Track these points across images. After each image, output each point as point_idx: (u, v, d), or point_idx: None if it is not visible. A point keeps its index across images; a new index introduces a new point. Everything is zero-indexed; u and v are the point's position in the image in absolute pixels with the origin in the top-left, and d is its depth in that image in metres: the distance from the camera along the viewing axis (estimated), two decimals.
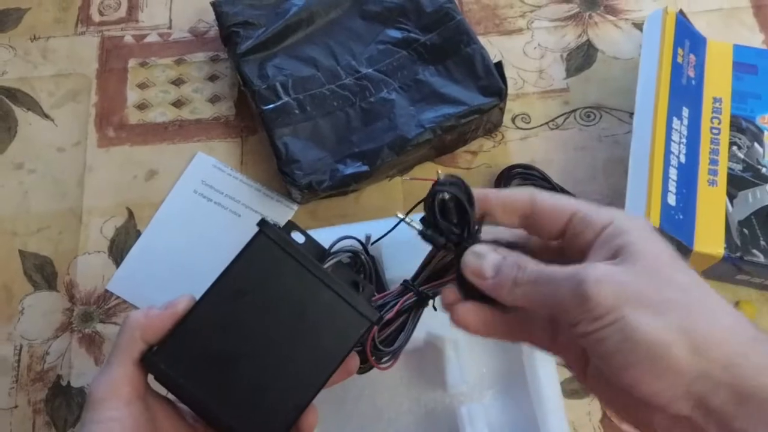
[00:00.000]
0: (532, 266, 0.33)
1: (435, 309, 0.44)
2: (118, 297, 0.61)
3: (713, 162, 0.58)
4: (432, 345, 0.55)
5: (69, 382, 0.58)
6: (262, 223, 0.40)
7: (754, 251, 0.54)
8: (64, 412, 0.57)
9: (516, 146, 0.66)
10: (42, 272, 0.62)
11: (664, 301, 0.29)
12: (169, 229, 0.63)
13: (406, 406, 0.56)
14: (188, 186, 0.65)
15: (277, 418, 0.38)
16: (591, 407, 0.56)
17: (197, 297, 0.40)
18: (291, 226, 0.43)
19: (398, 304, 0.43)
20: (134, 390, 0.37)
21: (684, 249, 0.54)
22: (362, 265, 0.47)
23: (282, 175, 0.61)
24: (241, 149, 0.67)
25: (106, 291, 0.61)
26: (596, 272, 0.30)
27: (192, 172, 0.65)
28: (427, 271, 0.42)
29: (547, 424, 0.51)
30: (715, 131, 0.59)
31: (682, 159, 0.57)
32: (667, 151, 0.57)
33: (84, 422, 0.36)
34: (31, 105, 0.69)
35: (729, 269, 0.56)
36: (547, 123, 0.67)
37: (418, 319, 0.45)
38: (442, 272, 0.41)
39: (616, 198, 0.63)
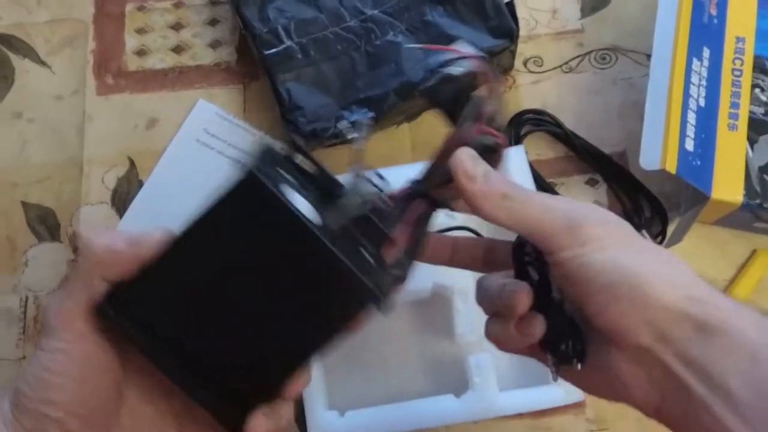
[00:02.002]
0: (521, 188, 0.34)
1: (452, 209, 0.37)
2: None
3: (734, 105, 0.55)
4: (440, 295, 0.54)
5: None
6: (249, 172, 0.31)
7: None
8: None
9: (527, 91, 0.64)
10: (45, 223, 0.61)
11: (644, 249, 0.33)
12: (172, 179, 0.62)
13: (413, 356, 0.55)
14: (190, 135, 0.63)
15: (245, 393, 0.32)
16: None
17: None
18: (297, 150, 0.34)
19: (411, 215, 0.35)
20: (87, 323, 0.32)
21: (701, 196, 0.52)
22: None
23: (285, 123, 0.59)
24: (243, 96, 0.65)
25: None
26: (589, 211, 0.34)
27: (193, 120, 0.64)
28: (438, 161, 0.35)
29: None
30: (736, 73, 0.56)
31: (702, 102, 0.55)
32: (686, 94, 0.54)
33: (38, 345, 0.33)
34: (27, 52, 0.67)
35: (747, 217, 0.55)
36: (560, 66, 0.65)
37: (426, 234, 0.37)
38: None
39: (631, 143, 0.61)
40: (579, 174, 0.61)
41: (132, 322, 0.32)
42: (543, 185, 0.60)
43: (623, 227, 0.34)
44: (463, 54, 0.36)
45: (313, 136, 0.59)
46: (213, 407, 0.32)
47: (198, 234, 0.31)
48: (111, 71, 0.66)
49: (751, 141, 0.54)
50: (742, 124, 0.54)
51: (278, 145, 0.34)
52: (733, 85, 0.56)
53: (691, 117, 0.54)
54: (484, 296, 0.39)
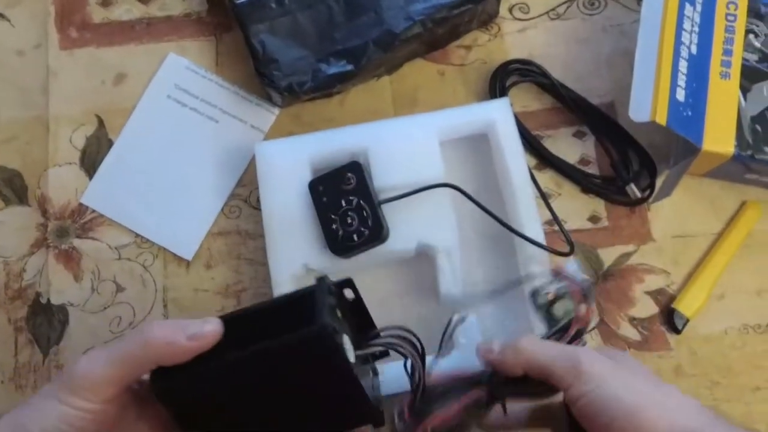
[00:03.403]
0: (532, 338, 0.40)
1: (505, 413, 0.42)
2: (93, 211, 0.58)
3: (727, 53, 0.53)
4: (424, 256, 0.53)
5: (49, 300, 0.56)
6: (320, 329, 0.36)
7: (766, 149, 0.51)
8: (46, 330, 0.55)
9: (513, 39, 0.61)
10: (11, 186, 0.58)
11: (641, 381, 0.37)
12: (143, 137, 0.59)
13: (398, 317, 0.54)
14: (161, 91, 0.60)
15: None
16: None
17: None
18: (346, 283, 0.40)
19: (464, 397, 0.41)
20: (119, 391, 0.36)
21: (691, 148, 0.51)
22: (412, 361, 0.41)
23: (260, 77, 0.57)
24: (215, 49, 0.62)
25: (81, 204, 0.58)
26: (589, 353, 0.38)
27: (163, 75, 0.61)
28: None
29: (541, 326, 0.48)
30: (730, 18, 0.54)
31: (693, 50, 0.52)
32: (678, 42, 0.52)
33: (59, 397, 0.35)
34: None
35: (738, 168, 0.53)
36: (547, 13, 0.62)
37: (476, 423, 0.42)
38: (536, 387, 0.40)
39: (620, 94, 0.58)
40: (566, 126, 0.59)
41: (172, 397, 0.37)
42: (529, 139, 0.58)
43: (621, 362, 0.38)
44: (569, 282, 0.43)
45: (290, 91, 0.56)
46: None
47: (250, 361, 0.37)
48: (74, 24, 0.62)
49: (744, 90, 0.52)
50: (735, 72, 0.52)
51: (328, 278, 0.39)
52: (727, 30, 0.53)
53: (683, 65, 0.52)
54: None
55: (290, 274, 0.52)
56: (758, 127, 0.51)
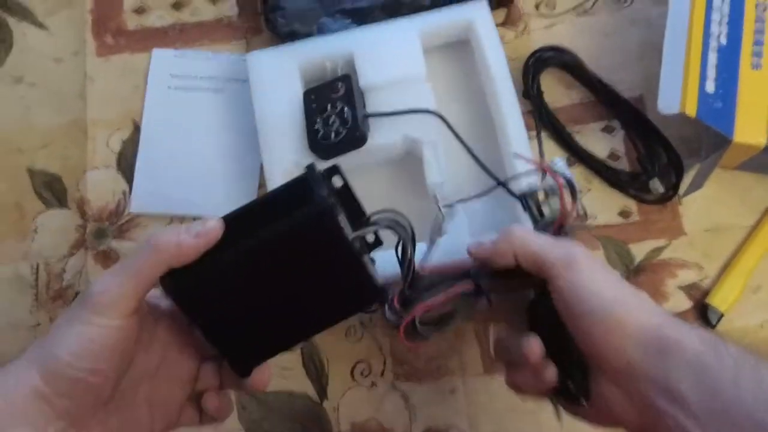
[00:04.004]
0: (526, 229, 0.43)
1: (490, 303, 0.44)
2: (129, 213, 0.59)
3: (758, 42, 0.52)
4: (410, 153, 0.56)
5: None
6: (320, 206, 0.38)
7: None
8: None
9: (540, 35, 0.61)
10: (51, 189, 0.60)
11: (620, 283, 0.40)
12: (162, 132, 0.61)
13: None
14: (159, 85, 0.62)
15: (259, 353, 0.41)
16: None
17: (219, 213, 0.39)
18: (334, 170, 0.41)
19: (452, 288, 0.43)
20: (138, 304, 0.37)
21: (722, 140, 0.50)
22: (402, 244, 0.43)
23: (264, 21, 0.59)
24: (246, 51, 0.63)
25: (118, 206, 0.59)
26: (583, 248, 0.40)
27: (156, 70, 0.63)
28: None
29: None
30: (760, 7, 0.53)
31: (723, 41, 0.52)
32: (706, 33, 0.52)
33: (81, 319, 0.36)
34: (25, 14, 0.65)
35: None
36: (574, 8, 0.62)
37: (469, 313, 0.44)
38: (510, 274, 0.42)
39: (649, 87, 0.58)
40: (595, 121, 0.59)
41: (184, 294, 0.39)
42: (560, 132, 0.58)
43: (606, 267, 0.41)
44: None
45: (292, 38, 0.58)
46: (230, 357, 0.41)
47: (249, 247, 0.38)
48: (110, 30, 0.64)
49: None
50: (766, 61, 0.52)
51: (316, 167, 0.40)
52: (757, 20, 0.53)
53: (712, 57, 0.51)
54: (501, 350, 0.45)
55: (282, 172, 0.55)
56: None
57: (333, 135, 0.53)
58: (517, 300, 0.45)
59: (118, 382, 0.38)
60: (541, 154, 0.55)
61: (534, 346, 0.40)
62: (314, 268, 0.39)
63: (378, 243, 0.42)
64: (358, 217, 0.41)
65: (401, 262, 0.43)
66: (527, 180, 0.47)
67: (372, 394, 0.54)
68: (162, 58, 0.63)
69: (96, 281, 0.37)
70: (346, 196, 0.41)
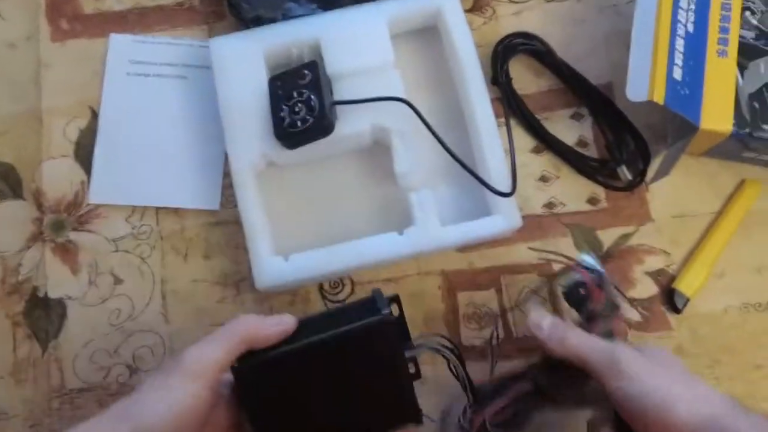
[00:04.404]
0: (578, 331, 0.44)
1: (552, 399, 0.46)
2: (89, 203, 0.57)
3: (723, 30, 0.53)
4: (379, 142, 0.55)
5: (47, 293, 0.56)
6: (382, 318, 0.42)
7: (764, 126, 0.51)
8: (44, 324, 0.55)
9: (508, 22, 0.61)
10: (6, 180, 0.58)
11: (668, 377, 0.41)
12: (122, 120, 0.59)
13: (357, 202, 0.56)
14: (117, 72, 0.60)
15: None
16: None
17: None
18: (396, 299, 0.45)
19: (511, 391, 0.45)
20: (217, 378, 0.40)
21: (689, 127, 0.51)
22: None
23: (228, 6, 0.57)
24: (208, 38, 0.61)
25: (76, 197, 0.57)
26: (625, 351, 0.42)
27: (114, 56, 0.60)
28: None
29: (499, 207, 0.52)
30: None
31: (690, 28, 0.52)
32: (674, 20, 0.52)
33: (172, 384, 0.39)
34: None
35: (735, 146, 0.53)
36: None
37: (534, 411, 0.46)
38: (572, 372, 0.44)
39: (617, 74, 0.58)
40: (564, 108, 0.59)
41: (247, 382, 0.42)
42: (529, 119, 0.58)
43: (655, 358, 0.42)
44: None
45: (255, 23, 0.57)
46: None
47: (318, 348, 0.42)
48: (65, 15, 0.62)
49: (741, 67, 0.52)
50: (732, 49, 0.52)
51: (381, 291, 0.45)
52: (723, 8, 0.53)
53: (680, 44, 0.51)
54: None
55: (248, 162, 0.53)
56: (756, 105, 0.51)
57: (299, 123, 0.52)
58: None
59: None
60: (510, 141, 0.54)
61: None
62: (365, 378, 0.43)
63: (417, 375, 0.44)
64: (406, 341, 0.44)
65: (459, 380, 0.46)
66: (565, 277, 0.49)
67: None
68: (120, 43, 0.61)
69: (188, 350, 0.40)
70: (400, 323, 0.44)
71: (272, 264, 0.52)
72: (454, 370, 0.46)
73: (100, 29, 0.61)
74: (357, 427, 0.44)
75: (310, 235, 0.54)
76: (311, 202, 0.56)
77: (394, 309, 0.44)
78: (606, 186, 0.57)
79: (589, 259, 0.49)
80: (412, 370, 0.44)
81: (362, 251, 0.51)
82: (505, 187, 0.52)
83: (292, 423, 0.43)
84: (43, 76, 0.60)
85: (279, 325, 0.42)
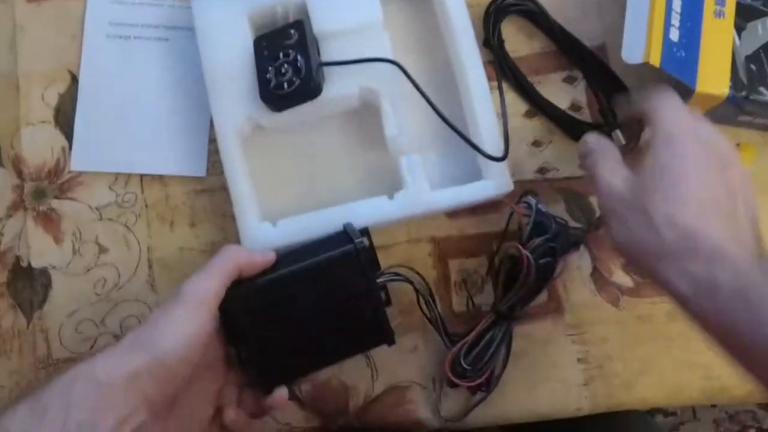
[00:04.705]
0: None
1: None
2: (71, 171, 0.56)
3: None
4: (368, 105, 0.53)
5: (30, 263, 0.54)
6: (355, 245, 0.46)
7: (761, 89, 0.50)
8: (28, 294, 0.54)
9: None
10: None
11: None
12: (103, 84, 0.57)
13: (346, 166, 0.55)
14: (96, 35, 0.58)
15: (283, 375, 0.47)
16: (581, 261, 0.54)
17: None
18: (366, 232, 0.49)
19: (477, 326, 0.49)
20: (216, 305, 0.43)
21: (685, 89, 0.49)
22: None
23: None
24: None
25: (58, 165, 0.56)
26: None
27: (92, 18, 0.58)
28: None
29: (490, 172, 0.52)
30: None
31: None
32: None
33: (178, 313, 0.42)
34: None
35: (731, 110, 0.52)
36: None
37: (506, 336, 0.50)
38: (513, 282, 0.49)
39: (610, 36, 0.57)
40: (556, 71, 0.57)
41: (231, 309, 0.45)
42: (522, 82, 0.56)
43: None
44: None
45: None
46: (258, 377, 0.47)
47: (297, 272, 0.46)
48: None
49: (739, 28, 0.51)
50: (730, 10, 0.51)
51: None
52: None
53: (677, 4, 0.50)
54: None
55: (234, 125, 0.52)
56: (753, 67, 0.50)
57: (286, 85, 0.50)
58: None
59: (189, 380, 0.42)
60: (502, 104, 0.53)
61: None
62: (341, 303, 0.46)
63: (388, 302, 0.49)
64: (377, 270, 0.48)
65: (429, 316, 0.50)
66: None
67: None
68: (99, 4, 0.58)
69: (185, 284, 0.43)
70: (371, 253, 0.48)
71: (260, 230, 0.51)
72: (423, 307, 0.50)
73: None
74: (335, 350, 0.48)
75: (298, 200, 0.53)
76: (299, 167, 0.55)
77: (365, 241, 0.47)
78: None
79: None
80: (383, 297, 0.48)
81: (351, 215, 0.50)
82: (497, 151, 0.51)
83: (274, 349, 0.47)
84: (18, 39, 0.58)
85: (263, 256, 0.46)
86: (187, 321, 0.41)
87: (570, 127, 0.56)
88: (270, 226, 0.51)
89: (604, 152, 0.46)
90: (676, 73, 0.49)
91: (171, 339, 0.40)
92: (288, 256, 0.48)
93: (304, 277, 0.46)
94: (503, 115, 0.53)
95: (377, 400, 0.53)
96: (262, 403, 0.46)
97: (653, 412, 0.63)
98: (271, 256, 0.47)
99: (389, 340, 0.47)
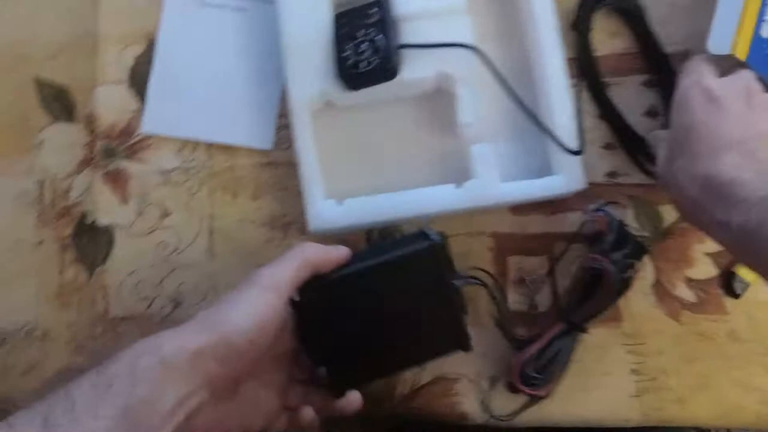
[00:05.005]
0: None
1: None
2: (140, 133, 0.56)
3: None
4: (442, 90, 0.53)
5: (94, 221, 0.56)
6: (432, 243, 0.45)
7: None
8: (92, 250, 0.55)
9: None
10: (59, 101, 0.57)
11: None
12: (178, 50, 0.57)
13: (416, 151, 0.55)
14: (177, 0, 0.58)
15: (355, 377, 0.45)
16: (644, 271, 0.53)
17: None
18: (443, 236, 0.46)
19: (546, 335, 0.49)
20: (289, 293, 0.43)
21: None
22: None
23: None
24: None
25: (129, 125, 0.57)
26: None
27: None
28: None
29: (563, 167, 0.51)
30: None
31: None
32: None
33: (251, 294, 0.41)
34: None
35: None
36: None
37: (572, 346, 0.50)
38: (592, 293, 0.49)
39: (696, 43, 0.55)
40: (637, 74, 0.56)
41: (308, 307, 0.45)
42: (597, 84, 0.55)
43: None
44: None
45: None
46: (330, 378, 0.45)
47: (373, 271, 0.45)
48: None
49: None
50: None
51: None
52: None
53: None
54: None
55: (307, 99, 0.52)
56: None
57: (363, 64, 0.50)
58: None
59: (254, 366, 0.42)
60: (578, 99, 0.52)
61: None
62: (416, 304, 0.45)
63: (465, 310, 0.46)
64: (453, 273, 0.46)
65: (499, 319, 0.51)
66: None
67: None
68: None
69: (261, 269, 0.43)
70: (448, 254, 0.46)
71: (326, 207, 0.51)
72: (495, 304, 0.49)
73: None
74: (408, 354, 0.46)
75: (365, 182, 0.53)
76: (368, 148, 0.55)
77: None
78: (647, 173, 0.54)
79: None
80: (460, 302, 0.46)
81: (418, 201, 0.50)
82: (573, 145, 0.50)
83: (347, 349, 0.45)
84: (101, 0, 0.59)
85: (338, 251, 0.45)
86: (259, 302, 0.41)
87: (628, 143, 0.55)
88: (335, 203, 0.51)
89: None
90: (762, 70, 0.47)
91: (240, 318, 0.40)
92: (364, 253, 0.46)
93: (380, 274, 0.45)
94: (578, 111, 0.51)
95: (423, 389, 0.53)
96: (331, 405, 0.45)
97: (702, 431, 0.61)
98: (346, 253, 0.45)
99: (466, 346, 0.46)
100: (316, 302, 0.44)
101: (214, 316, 0.41)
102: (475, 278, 0.48)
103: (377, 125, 0.55)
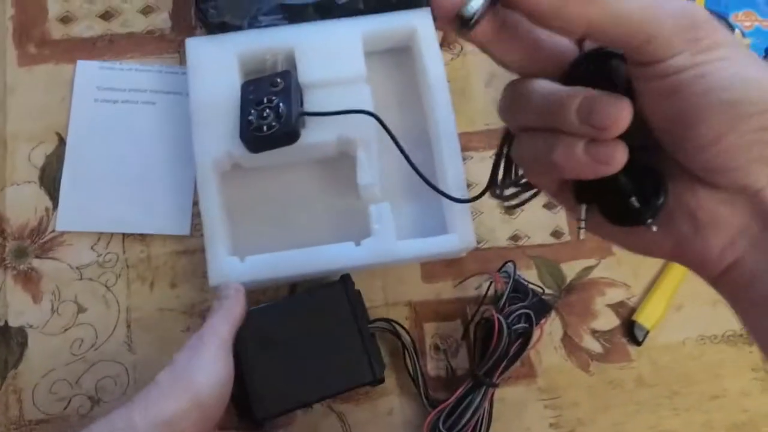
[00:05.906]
0: None
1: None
2: (54, 230, 0.56)
3: None
4: (344, 153, 0.56)
5: (6, 322, 0.54)
6: (343, 276, 0.52)
7: None
8: (3, 353, 0.54)
9: (477, 58, 0.62)
10: None
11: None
12: (89, 146, 0.58)
13: (317, 210, 0.58)
14: (84, 98, 0.60)
15: (277, 405, 0.48)
16: (552, 326, 0.56)
17: None
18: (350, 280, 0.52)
19: (459, 390, 0.51)
20: (232, 344, 0.46)
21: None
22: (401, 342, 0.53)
23: (196, 9, 0.59)
24: (179, 65, 0.61)
25: (40, 224, 0.57)
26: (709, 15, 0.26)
27: (81, 82, 0.60)
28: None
29: (455, 226, 0.54)
30: None
31: None
32: None
33: (208, 356, 0.43)
34: None
35: None
36: None
37: (483, 402, 0.51)
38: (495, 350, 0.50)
39: None
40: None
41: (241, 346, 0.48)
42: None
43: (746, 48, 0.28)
44: None
45: (221, 29, 0.58)
46: (248, 411, 0.48)
47: (289, 304, 0.52)
48: (33, 40, 0.61)
49: None
50: None
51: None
52: None
53: None
54: (530, 104, 0.29)
55: (213, 159, 0.54)
56: None
57: (265, 128, 0.52)
58: None
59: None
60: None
61: (625, 112, 0.26)
62: (329, 334, 0.49)
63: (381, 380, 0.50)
64: (365, 313, 0.52)
65: (413, 374, 0.53)
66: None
67: (308, 417, 0.53)
68: (87, 69, 0.60)
69: (203, 329, 0.45)
70: (358, 296, 0.52)
71: (227, 263, 0.53)
72: (408, 364, 0.52)
73: (69, 55, 0.61)
74: (324, 383, 0.49)
75: (272, 239, 0.55)
76: (275, 207, 0.57)
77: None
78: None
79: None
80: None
81: (318, 258, 0.52)
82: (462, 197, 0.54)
83: (262, 380, 0.48)
84: (8, 100, 0.59)
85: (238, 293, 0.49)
86: (219, 359, 0.43)
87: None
88: (237, 260, 0.53)
89: None
90: None
91: (206, 378, 0.41)
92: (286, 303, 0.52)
93: (293, 306, 0.50)
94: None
95: None
96: None
97: None
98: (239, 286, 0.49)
99: (375, 381, 0.49)
100: (241, 337, 0.47)
101: (180, 381, 0.41)
102: (389, 323, 0.52)
103: (283, 186, 0.57)
